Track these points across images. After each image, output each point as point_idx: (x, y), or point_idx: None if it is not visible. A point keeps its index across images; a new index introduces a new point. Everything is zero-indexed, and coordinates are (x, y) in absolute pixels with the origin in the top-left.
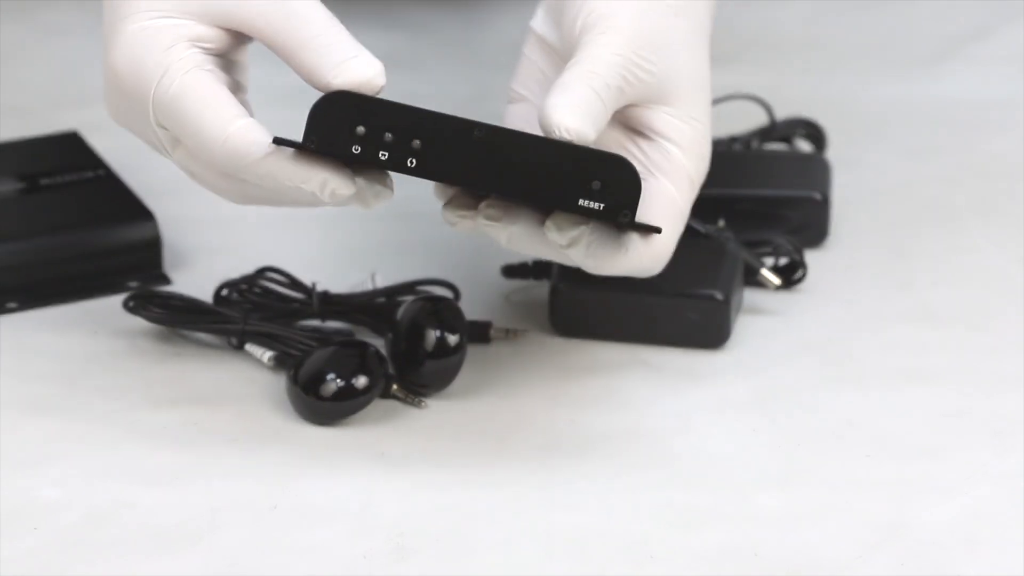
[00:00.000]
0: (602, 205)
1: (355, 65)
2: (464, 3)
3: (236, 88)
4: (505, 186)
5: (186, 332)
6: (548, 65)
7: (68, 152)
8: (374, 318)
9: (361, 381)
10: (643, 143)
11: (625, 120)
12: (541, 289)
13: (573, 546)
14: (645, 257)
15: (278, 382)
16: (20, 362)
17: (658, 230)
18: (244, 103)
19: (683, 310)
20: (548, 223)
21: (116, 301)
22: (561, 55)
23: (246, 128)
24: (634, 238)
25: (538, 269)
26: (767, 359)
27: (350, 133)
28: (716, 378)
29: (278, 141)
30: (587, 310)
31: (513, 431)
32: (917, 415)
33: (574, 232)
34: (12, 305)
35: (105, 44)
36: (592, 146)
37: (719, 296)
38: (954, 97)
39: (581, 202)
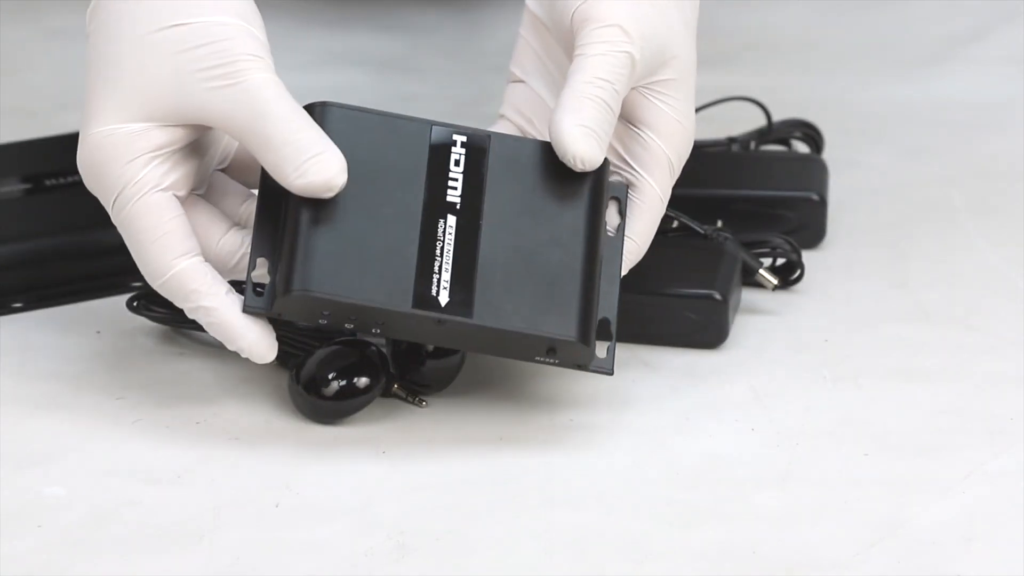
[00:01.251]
0: (557, 361)
1: (317, 166)
2: (463, 6)
3: (200, 180)
4: (466, 348)
5: (189, 331)
6: (542, 46)
7: (72, 153)
8: None
9: (362, 380)
10: (624, 135)
11: None
12: None
13: (572, 545)
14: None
15: (280, 381)
16: (24, 361)
17: (610, 373)
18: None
19: (682, 310)
20: None
21: (120, 301)
22: (554, 36)
23: (184, 275)
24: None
25: None
26: (765, 358)
27: (317, 315)
28: (714, 377)
29: (248, 311)
30: None
31: (513, 430)
32: (914, 414)
33: None
34: (17, 304)
35: (80, 130)
36: (546, 333)
37: (717, 296)
38: (951, 98)
39: (537, 358)
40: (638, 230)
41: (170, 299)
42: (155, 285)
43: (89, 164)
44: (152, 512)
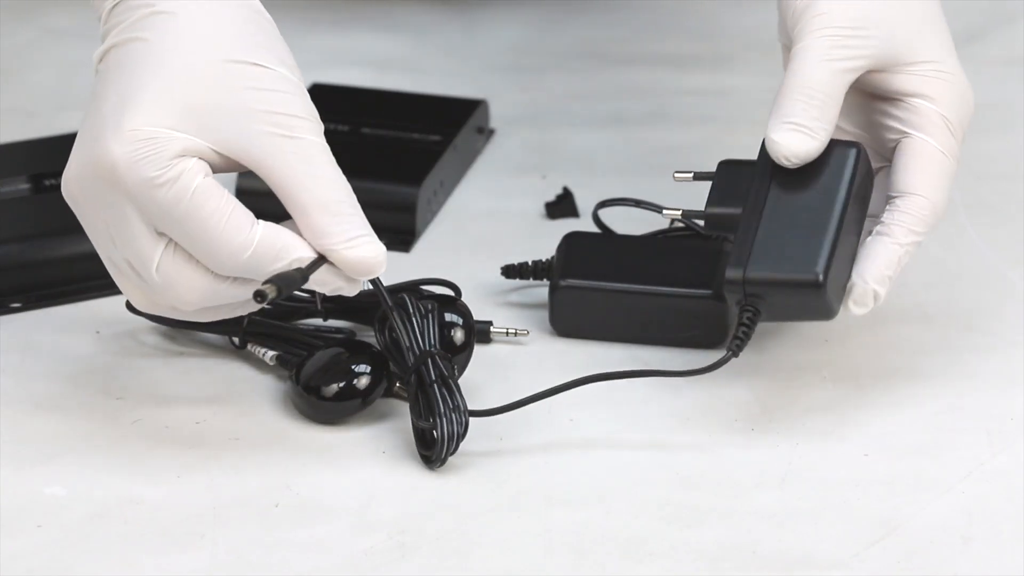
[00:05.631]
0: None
1: (369, 244)
2: (463, 6)
3: None
4: None
5: (189, 332)
6: None
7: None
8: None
9: (362, 381)
10: (889, 107)
11: (868, 89)
12: (541, 289)
13: (572, 544)
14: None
15: (280, 382)
16: (24, 361)
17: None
18: None
19: (682, 310)
20: None
21: (120, 301)
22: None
23: (268, 237)
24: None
25: (538, 269)
26: (765, 358)
27: None
28: (714, 378)
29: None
30: (587, 310)
31: (513, 429)
32: (913, 414)
33: None
34: (16, 305)
35: (97, 130)
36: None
37: (718, 296)
38: None
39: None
40: (924, 185)
41: (253, 271)
42: (240, 261)
43: (130, 154)
44: (152, 512)
